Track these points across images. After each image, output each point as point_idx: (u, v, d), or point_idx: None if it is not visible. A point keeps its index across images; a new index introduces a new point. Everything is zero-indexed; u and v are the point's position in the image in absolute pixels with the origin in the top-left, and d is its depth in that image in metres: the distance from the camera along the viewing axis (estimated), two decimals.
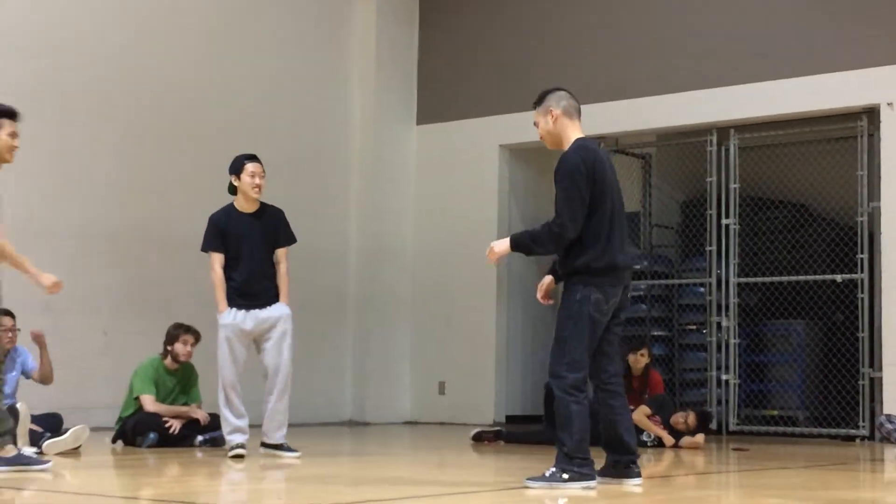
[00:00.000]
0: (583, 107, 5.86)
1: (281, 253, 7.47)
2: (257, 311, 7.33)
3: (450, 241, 12.18)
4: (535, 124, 5.79)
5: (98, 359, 9.98)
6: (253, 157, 7.44)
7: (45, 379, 8.02)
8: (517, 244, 5.64)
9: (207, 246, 7.43)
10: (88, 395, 9.80)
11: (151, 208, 10.54)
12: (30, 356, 8.05)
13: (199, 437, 8.20)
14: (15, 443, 6.19)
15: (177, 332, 8.41)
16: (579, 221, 5.50)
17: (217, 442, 8.16)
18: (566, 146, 5.70)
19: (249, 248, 7.34)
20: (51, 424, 7.85)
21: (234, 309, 7.31)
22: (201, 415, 8.25)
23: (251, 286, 7.32)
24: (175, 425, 8.14)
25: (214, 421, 8.28)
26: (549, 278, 5.87)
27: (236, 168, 7.42)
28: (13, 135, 6.15)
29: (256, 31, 11.53)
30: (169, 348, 8.41)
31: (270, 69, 11.59)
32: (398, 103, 12.45)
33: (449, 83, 12.40)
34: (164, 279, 10.52)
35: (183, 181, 10.81)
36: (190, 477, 6.59)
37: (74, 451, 7.45)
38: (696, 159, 11.05)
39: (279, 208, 7.57)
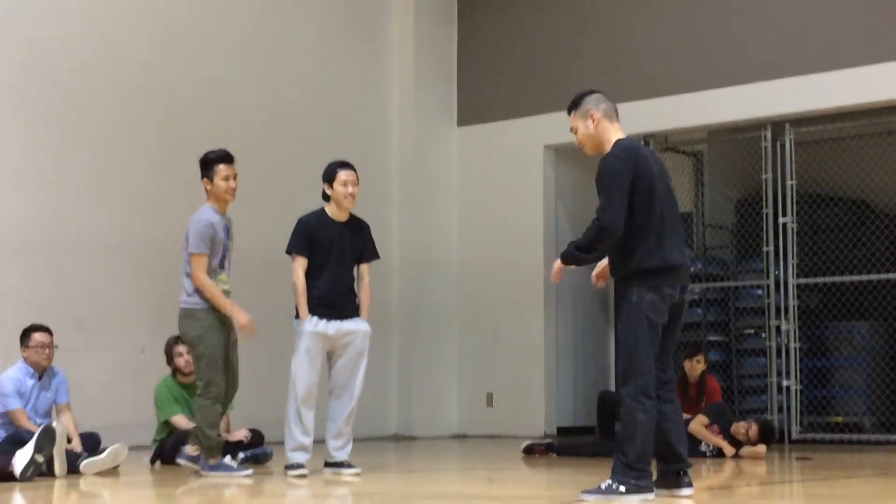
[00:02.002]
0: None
1: (364, 268, 7.31)
2: (338, 322, 7.12)
3: (495, 248, 11.98)
4: (573, 130, 5.70)
5: (136, 376, 9.80)
6: (346, 165, 7.25)
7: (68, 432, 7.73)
8: (565, 258, 5.61)
9: (294, 248, 7.16)
10: (126, 413, 9.64)
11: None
12: (65, 384, 7.81)
13: (241, 454, 7.99)
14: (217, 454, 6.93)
15: (168, 347, 8.27)
16: (619, 217, 5.41)
17: (259, 459, 7.96)
18: (607, 149, 5.61)
19: (338, 257, 7.15)
20: (88, 444, 7.73)
21: (316, 317, 7.07)
22: (242, 435, 8.03)
23: (335, 297, 7.12)
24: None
25: (256, 437, 8.06)
26: (605, 262, 5.75)
27: (329, 175, 7.22)
28: (227, 178, 7.04)
29: (291, 35, 11.43)
30: (171, 366, 8.27)
31: (306, 73, 11.48)
32: (437, 105, 12.26)
33: (489, 82, 12.19)
34: None
35: None
36: (232, 494, 6.36)
37: (113, 471, 7.33)
38: (750, 156, 10.84)
39: (366, 222, 7.39)
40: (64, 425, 7.66)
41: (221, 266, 6.98)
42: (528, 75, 11.91)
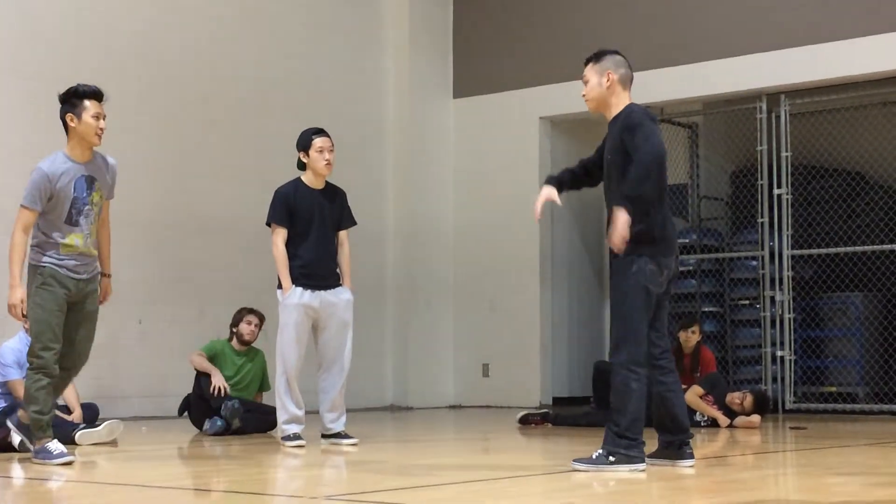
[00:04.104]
0: None
1: (343, 235, 7.25)
2: (322, 292, 7.09)
3: (491, 220, 11.98)
4: (584, 80, 5.59)
5: (133, 348, 9.85)
6: (321, 132, 7.17)
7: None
8: (631, 202, 5.23)
9: (273, 219, 7.10)
10: (123, 384, 9.69)
11: (187, 194, 10.41)
12: None
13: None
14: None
15: (240, 314, 8.39)
16: (661, 145, 5.33)
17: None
18: (612, 113, 5.55)
19: (319, 226, 7.10)
20: (87, 414, 7.75)
21: (300, 289, 7.04)
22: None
23: (319, 266, 7.08)
24: (217, 385, 7.97)
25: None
26: (551, 191, 5.68)
27: (304, 143, 7.15)
28: (97, 116, 6.10)
29: (286, 6, 11.35)
30: (234, 330, 8.38)
31: (301, 45, 11.43)
32: (433, 76, 12.22)
33: (485, 54, 12.15)
34: (200, 266, 10.38)
35: (217, 165, 10.67)
36: (232, 465, 6.40)
37: (110, 442, 7.32)
38: (745, 127, 10.84)
39: (342, 189, 7.33)
40: (65, 397, 7.69)
41: (75, 223, 6.05)
42: (524, 47, 11.86)
